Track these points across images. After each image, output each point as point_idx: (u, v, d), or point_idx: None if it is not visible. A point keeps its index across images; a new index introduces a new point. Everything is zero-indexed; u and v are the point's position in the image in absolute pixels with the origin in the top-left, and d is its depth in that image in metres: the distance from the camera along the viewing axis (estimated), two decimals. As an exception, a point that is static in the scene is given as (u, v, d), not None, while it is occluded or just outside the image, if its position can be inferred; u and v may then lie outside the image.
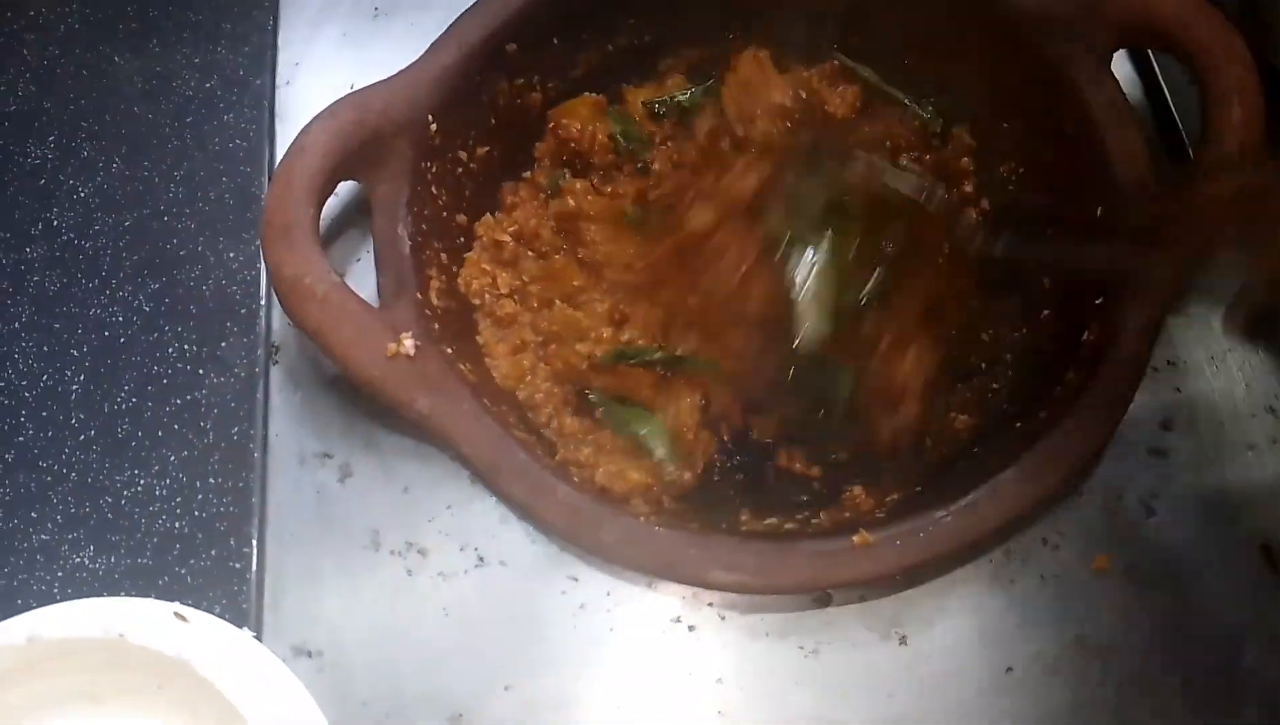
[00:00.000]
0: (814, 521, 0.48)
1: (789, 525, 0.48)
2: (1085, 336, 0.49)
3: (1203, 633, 0.46)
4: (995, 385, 0.53)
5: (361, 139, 0.50)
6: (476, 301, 0.54)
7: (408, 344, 0.46)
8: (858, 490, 0.50)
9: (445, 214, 0.54)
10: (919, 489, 0.49)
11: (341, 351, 0.46)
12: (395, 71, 0.53)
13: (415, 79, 0.52)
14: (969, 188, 0.57)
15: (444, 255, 0.53)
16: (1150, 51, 0.58)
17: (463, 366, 0.49)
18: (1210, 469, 0.48)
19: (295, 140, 0.49)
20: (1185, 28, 0.49)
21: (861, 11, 0.57)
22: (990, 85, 0.55)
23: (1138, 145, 0.50)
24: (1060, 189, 0.53)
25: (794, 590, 0.45)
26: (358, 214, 0.54)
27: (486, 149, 0.56)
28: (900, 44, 0.57)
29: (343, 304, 0.47)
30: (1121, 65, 0.57)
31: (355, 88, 0.52)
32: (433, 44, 0.53)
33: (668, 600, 0.46)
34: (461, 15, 0.54)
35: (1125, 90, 0.52)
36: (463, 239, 0.55)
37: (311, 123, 0.49)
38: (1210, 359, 0.51)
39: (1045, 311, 0.52)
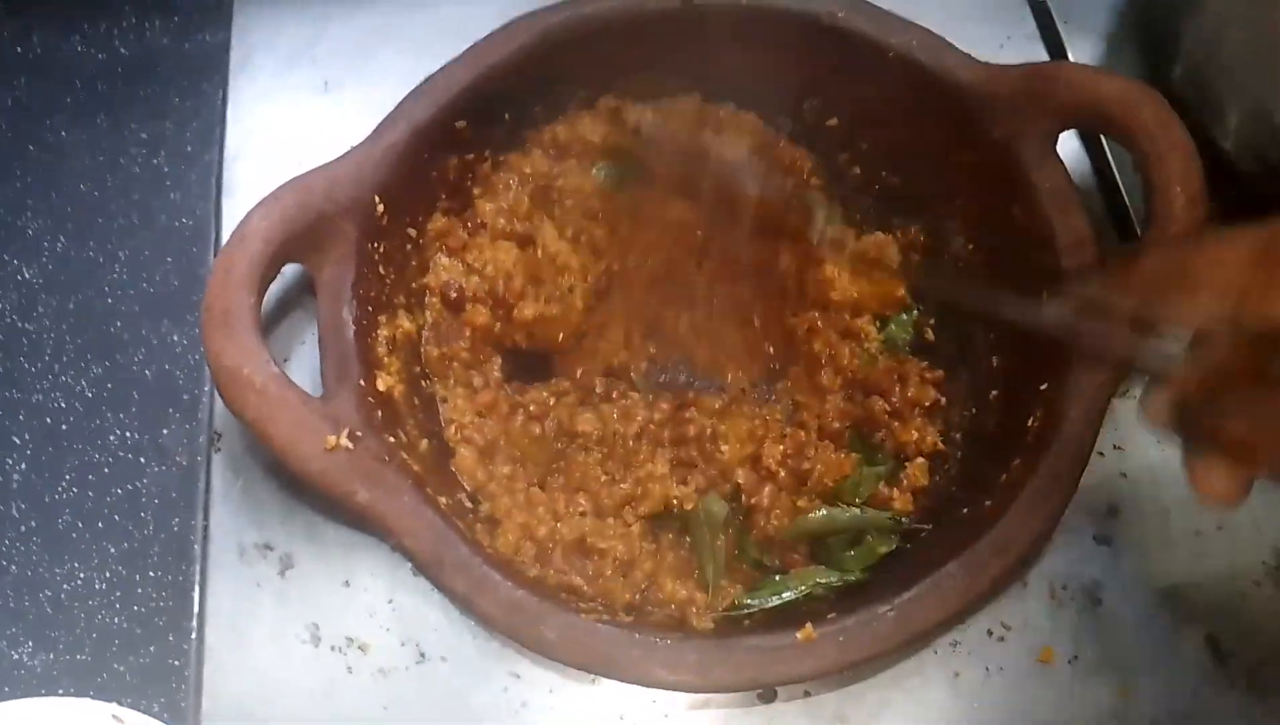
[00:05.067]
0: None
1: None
2: (1030, 422, 0.48)
3: None
4: (946, 466, 0.52)
5: (305, 223, 0.50)
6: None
7: (347, 437, 0.46)
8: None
9: (392, 293, 0.54)
10: (865, 575, 0.49)
11: (280, 444, 0.46)
12: (346, 145, 0.52)
13: (361, 160, 0.52)
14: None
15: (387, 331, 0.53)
16: (1099, 129, 0.58)
17: (405, 455, 0.48)
18: (1157, 556, 0.48)
19: (236, 228, 0.48)
20: (1127, 113, 0.49)
21: (813, 86, 0.58)
22: (939, 165, 0.55)
23: (1083, 229, 0.50)
24: (1008, 268, 0.53)
25: (736, 688, 0.45)
26: (304, 294, 0.53)
27: (436, 224, 0.56)
28: (849, 121, 0.58)
29: (281, 395, 0.46)
30: (1070, 141, 0.57)
31: (304, 164, 0.52)
32: (380, 124, 0.53)
33: (611, 697, 0.46)
34: (410, 93, 0.54)
35: (1073, 167, 0.52)
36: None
37: (254, 209, 0.49)
38: (1157, 442, 0.51)
39: (994, 392, 0.52)
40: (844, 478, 0.51)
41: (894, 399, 0.53)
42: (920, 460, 0.52)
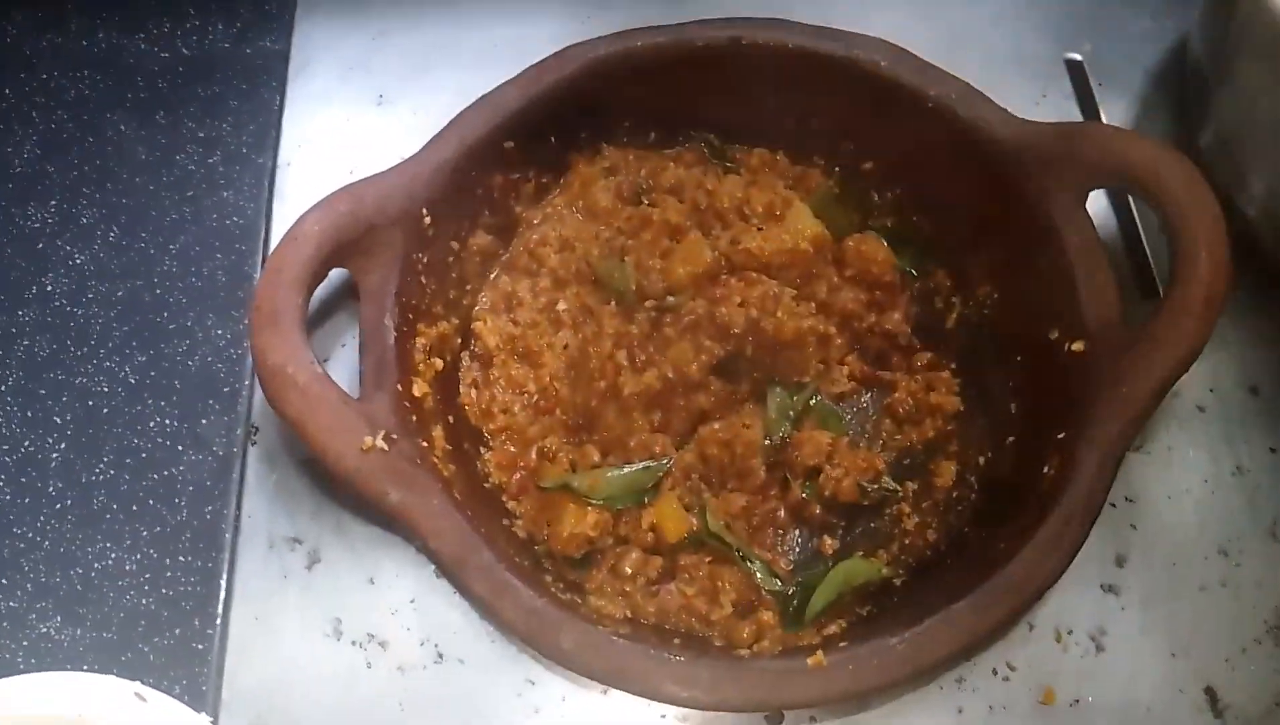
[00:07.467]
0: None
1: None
2: (1046, 469, 0.50)
3: (1145, 772, 0.47)
4: (959, 507, 0.54)
5: (354, 231, 0.51)
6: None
7: (382, 439, 0.47)
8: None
9: (432, 302, 0.55)
10: (876, 609, 0.50)
11: (318, 442, 0.47)
12: (395, 157, 0.54)
13: (412, 173, 0.54)
14: (941, 304, 0.59)
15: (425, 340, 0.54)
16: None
17: (436, 459, 0.50)
18: (1161, 607, 0.49)
19: (289, 229, 0.50)
20: (1155, 176, 0.50)
21: (852, 130, 0.59)
22: (969, 212, 0.57)
23: (1108, 286, 0.51)
24: (1032, 318, 0.54)
25: (745, 709, 0.46)
26: (348, 298, 0.55)
27: (479, 239, 0.58)
28: (884, 166, 0.59)
29: (322, 394, 0.48)
30: (1099, 198, 0.58)
31: (355, 173, 0.54)
32: (433, 138, 0.55)
33: (622, 709, 0.47)
34: (463, 111, 0.56)
35: (1101, 223, 0.54)
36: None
37: (307, 213, 0.51)
38: (1167, 497, 0.52)
39: (1010, 437, 0.53)
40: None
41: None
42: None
